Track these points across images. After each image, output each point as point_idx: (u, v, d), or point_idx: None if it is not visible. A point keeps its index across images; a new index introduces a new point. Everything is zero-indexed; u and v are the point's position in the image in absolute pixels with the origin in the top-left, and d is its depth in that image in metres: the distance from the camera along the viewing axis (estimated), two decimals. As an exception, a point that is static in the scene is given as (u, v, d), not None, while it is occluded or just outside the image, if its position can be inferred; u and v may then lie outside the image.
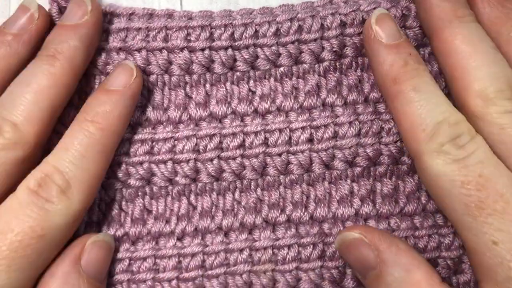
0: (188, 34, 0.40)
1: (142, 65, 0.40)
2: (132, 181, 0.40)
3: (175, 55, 0.40)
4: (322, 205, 0.40)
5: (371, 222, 0.40)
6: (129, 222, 0.40)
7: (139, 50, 0.40)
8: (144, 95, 0.40)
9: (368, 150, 0.39)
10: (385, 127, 0.40)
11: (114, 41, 0.40)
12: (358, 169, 0.40)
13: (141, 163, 0.40)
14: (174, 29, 0.40)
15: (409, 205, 0.40)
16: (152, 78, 0.40)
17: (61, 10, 0.40)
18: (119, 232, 0.40)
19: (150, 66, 0.40)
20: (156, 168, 0.40)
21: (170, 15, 0.41)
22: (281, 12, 0.41)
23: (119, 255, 0.39)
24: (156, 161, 0.40)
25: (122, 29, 0.40)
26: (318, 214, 0.40)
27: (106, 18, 0.41)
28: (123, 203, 0.40)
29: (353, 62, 0.40)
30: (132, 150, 0.40)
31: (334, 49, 0.40)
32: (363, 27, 0.39)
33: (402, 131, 0.35)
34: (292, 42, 0.40)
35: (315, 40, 0.40)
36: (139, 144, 0.40)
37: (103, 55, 0.40)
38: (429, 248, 0.39)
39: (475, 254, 0.33)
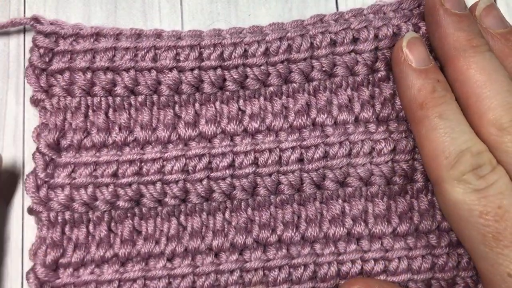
0: (177, 54, 0.40)
1: (130, 85, 0.40)
2: (121, 203, 0.39)
3: (164, 75, 0.40)
4: (313, 225, 0.39)
5: (364, 242, 0.39)
6: (119, 243, 0.39)
7: (127, 70, 0.40)
8: (131, 115, 0.40)
9: (359, 171, 0.39)
10: (376, 147, 0.39)
11: (101, 61, 0.40)
12: (350, 189, 0.39)
13: (129, 184, 0.39)
14: (163, 49, 0.40)
15: (401, 226, 0.39)
16: (141, 98, 0.40)
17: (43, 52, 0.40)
18: (108, 253, 0.39)
19: (138, 87, 0.40)
20: (145, 189, 0.39)
21: (158, 35, 0.41)
22: (270, 31, 0.41)
23: (108, 277, 0.39)
24: (145, 182, 0.39)
25: (109, 48, 0.40)
26: (309, 234, 0.39)
27: (91, 38, 0.41)
28: (112, 224, 0.39)
29: (343, 81, 0.40)
30: (120, 171, 0.39)
31: (323, 69, 0.40)
32: (393, 49, 0.39)
33: (424, 156, 0.35)
34: (282, 62, 0.40)
35: (304, 59, 0.40)
36: (127, 165, 0.39)
37: (89, 75, 0.40)
38: (423, 269, 0.39)
39: (490, 285, 0.33)
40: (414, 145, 0.40)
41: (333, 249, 0.39)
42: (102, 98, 0.40)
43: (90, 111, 0.40)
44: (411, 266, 0.39)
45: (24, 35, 0.42)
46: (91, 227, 0.39)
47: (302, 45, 0.40)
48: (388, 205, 0.39)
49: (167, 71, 0.39)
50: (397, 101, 0.40)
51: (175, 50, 0.39)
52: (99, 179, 0.39)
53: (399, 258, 0.39)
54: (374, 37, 0.40)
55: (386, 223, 0.39)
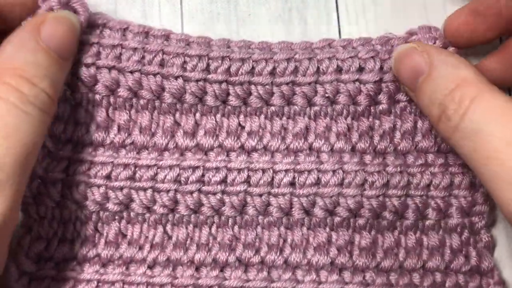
0: (185, 62, 0.39)
1: (134, 88, 0.39)
2: (110, 205, 0.39)
3: (169, 82, 0.39)
4: (298, 250, 0.39)
5: (346, 274, 0.39)
6: (103, 244, 0.39)
7: (132, 72, 0.39)
8: (131, 116, 0.40)
9: (349, 202, 0.39)
10: (368, 179, 0.39)
11: (107, 58, 0.39)
12: (338, 218, 0.39)
13: (121, 188, 0.39)
14: (172, 55, 0.39)
15: (386, 261, 0.39)
16: (143, 101, 0.40)
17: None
18: (91, 253, 0.39)
19: (142, 91, 0.39)
20: (136, 195, 0.39)
21: (167, 36, 0.40)
22: (279, 50, 0.40)
23: (88, 276, 0.39)
24: (137, 188, 0.39)
25: (116, 45, 0.39)
26: (292, 259, 0.39)
27: (97, 30, 0.39)
28: (99, 224, 0.39)
29: (344, 110, 0.40)
30: (113, 174, 0.39)
31: (326, 95, 0.39)
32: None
33: None
34: (287, 83, 0.39)
35: (309, 83, 0.39)
36: (121, 169, 0.39)
37: (92, 70, 0.39)
38: None
39: None
40: (409, 181, 0.39)
41: (314, 277, 0.39)
42: (104, 97, 0.40)
43: (91, 107, 0.40)
44: None
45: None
46: (78, 224, 0.39)
47: (309, 69, 0.39)
48: (375, 239, 0.39)
49: (172, 79, 0.39)
50: (396, 135, 0.40)
51: (183, 58, 0.39)
52: (91, 179, 0.39)
53: None
54: (379, 69, 0.39)
55: (370, 257, 0.39)
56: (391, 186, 0.39)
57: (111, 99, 0.40)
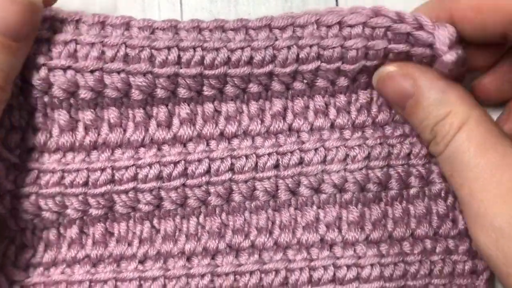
0: (153, 56, 0.36)
1: (96, 88, 0.36)
2: (93, 211, 0.38)
3: (137, 79, 0.36)
4: (287, 231, 0.39)
5: (337, 249, 0.39)
6: (90, 244, 0.39)
7: (92, 71, 0.36)
8: (97, 114, 0.37)
9: (333, 177, 0.39)
10: (350, 154, 0.39)
11: (60, 58, 0.35)
12: (324, 195, 0.39)
13: (102, 194, 0.37)
14: (136, 49, 0.35)
15: (375, 233, 0.39)
16: (108, 99, 0.37)
17: None
18: (80, 254, 0.39)
19: (106, 89, 0.36)
20: (118, 198, 0.38)
21: (127, 24, 0.36)
22: (255, 31, 0.37)
23: (79, 277, 0.38)
24: (118, 191, 0.37)
25: (69, 41, 0.35)
26: (282, 240, 0.39)
27: (45, 24, 0.35)
28: (84, 226, 0.39)
29: (322, 90, 0.39)
30: (91, 179, 0.37)
31: (305, 81, 0.38)
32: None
33: None
34: (265, 74, 0.38)
35: (288, 74, 0.37)
36: (99, 173, 0.37)
37: (43, 73, 0.35)
38: (395, 276, 0.39)
39: None
40: (389, 152, 0.39)
41: (305, 255, 0.39)
42: (64, 99, 0.36)
43: (49, 109, 0.37)
44: (383, 273, 0.39)
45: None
46: (61, 229, 0.39)
47: (288, 58, 0.37)
48: (362, 212, 0.39)
49: (140, 76, 0.36)
50: (373, 108, 0.40)
51: (149, 51, 0.36)
52: (68, 189, 0.37)
53: (371, 265, 0.39)
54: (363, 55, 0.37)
55: (359, 230, 0.39)
56: (373, 158, 0.39)
57: (72, 101, 0.37)
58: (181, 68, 0.36)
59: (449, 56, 0.34)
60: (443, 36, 0.34)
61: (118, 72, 0.36)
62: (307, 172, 0.39)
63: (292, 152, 0.39)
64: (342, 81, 0.39)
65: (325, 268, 0.38)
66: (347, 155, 0.39)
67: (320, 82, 0.38)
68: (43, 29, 0.35)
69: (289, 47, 0.36)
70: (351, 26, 0.36)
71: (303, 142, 0.39)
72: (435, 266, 0.40)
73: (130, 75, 0.36)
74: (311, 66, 0.37)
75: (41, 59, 0.35)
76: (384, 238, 0.39)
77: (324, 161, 0.39)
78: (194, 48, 0.36)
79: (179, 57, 0.36)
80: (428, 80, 0.36)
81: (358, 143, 0.39)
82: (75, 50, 0.35)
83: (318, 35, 0.36)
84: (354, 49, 0.36)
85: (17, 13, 0.33)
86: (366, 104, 0.40)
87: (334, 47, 0.36)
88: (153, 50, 0.36)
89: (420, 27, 0.35)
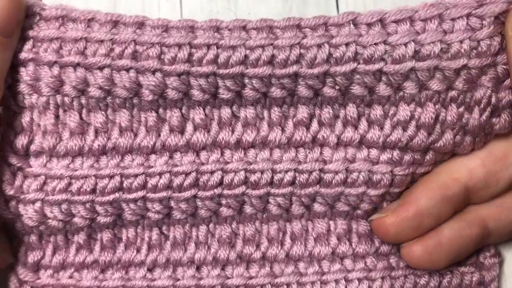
0: (162, 53, 0.34)
1: (105, 86, 0.35)
2: (101, 219, 0.37)
3: (146, 77, 0.34)
4: (299, 242, 0.39)
5: (348, 261, 0.39)
6: (98, 250, 0.38)
7: (101, 68, 0.34)
8: (109, 117, 0.36)
9: (351, 199, 0.37)
10: (373, 178, 0.37)
11: (70, 55, 0.34)
12: (336, 210, 0.38)
13: (110, 202, 0.36)
14: (146, 46, 0.34)
15: (384, 245, 0.39)
16: (119, 99, 0.35)
17: None
18: (88, 259, 0.38)
19: (116, 88, 0.35)
20: (126, 206, 0.37)
21: (140, 23, 0.35)
22: (282, 31, 0.34)
23: (87, 283, 0.38)
24: (126, 200, 0.36)
25: (80, 39, 0.34)
26: (294, 252, 0.39)
27: (55, 23, 0.35)
28: (92, 232, 0.38)
29: (357, 99, 0.36)
30: (99, 187, 0.36)
31: (337, 87, 0.35)
32: None
33: None
34: (289, 76, 0.34)
35: (317, 76, 0.34)
36: (107, 181, 0.36)
37: (56, 70, 0.34)
38: None
39: None
40: (412, 180, 0.38)
41: (317, 268, 0.39)
42: (74, 98, 0.35)
43: (61, 111, 0.36)
44: (394, 285, 0.39)
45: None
46: (69, 235, 0.38)
47: (317, 58, 0.34)
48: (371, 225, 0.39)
49: (149, 74, 0.34)
50: (410, 127, 0.36)
51: (159, 48, 0.34)
52: (75, 196, 0.36)
53: (382, 278, 0.39)
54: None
55: (370, 243, 0.39)
56: (395, 184, 0.37)
57: (83, 101, 0.36)
58: (192, 66, 0.34)
59: None
60: None
61: (127, 70, 0.34)
62: (324, 193, 0.37)
63: (311, 172, 0.36)
64: (383, 90, 0.35)
65: (336, 282, 0.38)
66: (369, 179, 0.37)
67: (356, 89, 0.35)
68: (53, 28, 0.34)
69: (319, 46, 0.34)
70: (395, 21, 0.34)
71: (325, 162, 0.36)
72: (444, 278, 0.40)
73: (139, 74, 0.34)
74: (346, 68, 0.34)
75: (53, 57, 0.34)
76: (394, 250, 0.39)
77: (344, 183, 0.37)
78: (208, 46, 0.34)
79: (190, 54, 0.34)
80: None
81: (385, 170, 0.36)
82: (85, 48, 0.34)
83: (356, 33, 0.34)
84: (400, 44, 0.33)
85: (5, 9, 0.33)
86: (404, 122, 0.36)
87: (376, 44, 0.33)
88: (163, 48, 0.34)
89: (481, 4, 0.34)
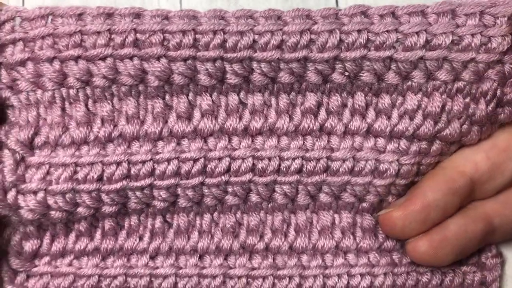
0: (165, 40, 0.34)
1: (109, 75, 0.35)
2: (106, 208, 0.37)
3: (151, 64, 0.34)
4: (302, 235, 0.38)
5: (351, 256, 0.39)
6: (99, 237, 0.38)
7: (103, 58, 0.34)
8: (115, 106, 0.36)
9: (357, 189, 0.37)
10: (380, 167, 0.37)
11: (68, 48, 0.34)
12: (341, 202, 0.38)
13: (117, 191, 0.36)
14: (147, 34, 0.34)
15: (388, 241, 0.39)
16: (125, 88, 0.35)
17: None
18: (89, 247, 0.38)
19: (120, 76, 0.35)
20: (133, 194, 0.36)
21: (137, 14, 0.35)
22: (291, 19, 0.34)
23: (88, 271, 0.37)
24: (133, 188, 0.36)
25: (74, 32, 0.34)
26: (297, 245, 0.38)
27: (42, 20, 0.35)
28: (94, 220, 0.38)
29: (366, 87, 0.36)
30: (106, 174, 0.35)
31: (347, 73, 0.35)
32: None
33: None
34: (298, 60, 0.35)
35: (326, 61, 0.34)
36: (114, 168, 0.36)
37: (57, 65, 0.34)
38: (407, 285, 0.39)
39: None
40: (418, 171, 0.38)
41: (320, 261, 0.38)
42: (79, 89, 0.35)
43: (67, 103, 0.36)
44: (396, 282, 0.39)
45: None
46: (69, 223, 0.38)
47: (328, 43, 0.34)
48: (377, 220, 0.39)
49: (153, 60, 0.34)
50: (417, 117, 0.36)
51: (161, 35, 0.34)
52: (81, 185, 0.35)
53: (385, 274, 0.38)
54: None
55: (373, 238, 0.39)
56: (401, 175, 0.37)
57: (88, 91, 0.36)
58: (198, 51, 0.34)
59: None
60: None
61: (130, 58, 0.34)
62: (330, 182, 0.37)
63: (319, 160, 0.37)
64: (392, 78, 0.36)
65: (339, 276, 0.38)
66: (376, 168, 0.37)
67: (366, 76, 0.35)
68: (41, 26, 0.35)
69: (330, 31, 0.34)
70: (408, 13, 0.34)
71: (332, 150, 0.37)
72: (446, 277, 0.39)
73: (143, 61, 0.34)
74: (356, 53, 0.34)
75: (51, 53, 0.34)
76: (397, 247, 0.39)
77: (351, 172, 0.37)
78: (214, 32, 0.34)
79: (195, 40, 0.34)
80: None
81: (391, 159, 0.36)
82: (82, 40, 0.34)
83: (368, 21, 0.34)
84: (412, 33, 0.34)
85: None
86: (411, 112, 0.36)
87: (388, 31, 0.34)
88: (166, 34, 0.34)
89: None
